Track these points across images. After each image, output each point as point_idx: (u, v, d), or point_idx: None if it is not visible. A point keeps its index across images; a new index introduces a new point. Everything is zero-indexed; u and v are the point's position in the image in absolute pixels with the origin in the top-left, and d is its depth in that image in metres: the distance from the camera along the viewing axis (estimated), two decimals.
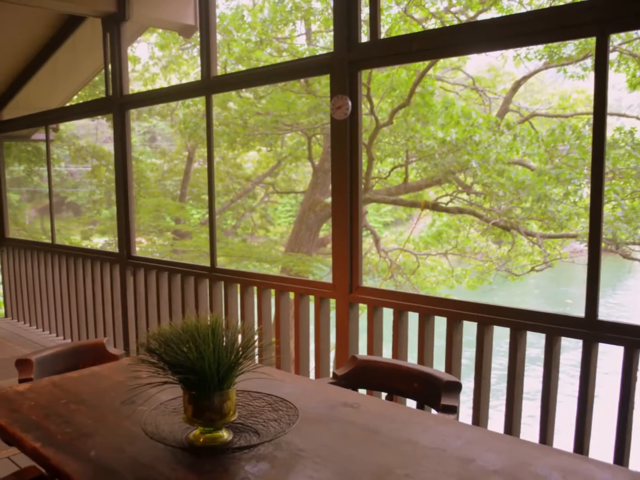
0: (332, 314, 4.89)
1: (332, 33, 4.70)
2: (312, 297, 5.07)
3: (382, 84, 11.58)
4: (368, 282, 12.75)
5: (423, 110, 11.37)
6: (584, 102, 13.74)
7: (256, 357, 2.37)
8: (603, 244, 3.63)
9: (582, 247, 15.61)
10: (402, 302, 4.43)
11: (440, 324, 4.30)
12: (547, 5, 10.75)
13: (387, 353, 4.67)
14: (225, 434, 2.31)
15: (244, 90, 13.57)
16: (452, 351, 4.23)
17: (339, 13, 4.52)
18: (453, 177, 12.01)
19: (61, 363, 3.58)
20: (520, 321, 3.84)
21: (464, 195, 12.71)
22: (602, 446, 4.01)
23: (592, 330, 3.52)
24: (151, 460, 2.19)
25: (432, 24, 11.92)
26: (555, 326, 3.69)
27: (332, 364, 5.26)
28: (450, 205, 12.83)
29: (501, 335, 4.24)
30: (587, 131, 10.89)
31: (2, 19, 7.19)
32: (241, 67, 13.20)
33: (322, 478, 2.06)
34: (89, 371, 3.24)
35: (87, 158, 18.29)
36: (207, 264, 5.97)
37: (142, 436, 2.31)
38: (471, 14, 11.49)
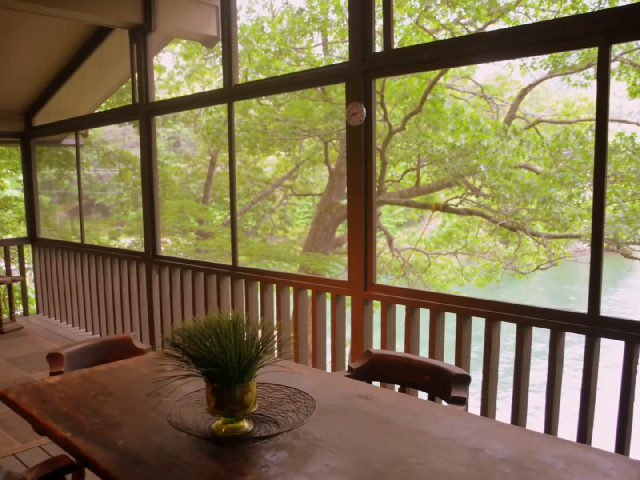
0: (348, 310, 4.89)
1: (347, 43, 4.69)
2: (328, 294, 5.07)
3: (395, 92, 11.59)
4: (382, 280, 12.74)
5: (434, 117, 11.37)
6: (587, 109, 13.68)
7: (275, 351, 2.37)
8: (605, 244, 3.61)
9: (585, 246, 15.56)
10: (414, 299, 4.42)
11: (450, 319, 4.29)
12: (552, 17, 10.71)
13: (399, 347, 4.66)
14: (246, 425, 2.31)
15: (263, 97, 13.58)
16: (461, 346, 4.22)
17: (354, 25, 4.52)
18: (462, 180, 11.99)
19: (90, 357, 3.60)
20: (526, 317, 3.83)
21: (473, 198, 12.71)
22: (604, 436, 4.00)
23: (594, 325, 3.51)
24: (176, 450, 2.20)
25: (442, 35, 11.90)
26: (559, 322, 3.68)
27: (347, 357, 5.26)
28: (459, 207, 12.82)
29: (508, 331, 4.23)
30: (590, 137, 10.85)
31: (35, 30, 7.24)
32: (261, 76, 13.22)
33: (337, 466, 2.06)
34: (116, 364, 3.25)
35: (115, 162, 18.34)
36: (229, 262, 5.98)
37: (167, 426, 2.32)
38: (480, 25, 11.47)
